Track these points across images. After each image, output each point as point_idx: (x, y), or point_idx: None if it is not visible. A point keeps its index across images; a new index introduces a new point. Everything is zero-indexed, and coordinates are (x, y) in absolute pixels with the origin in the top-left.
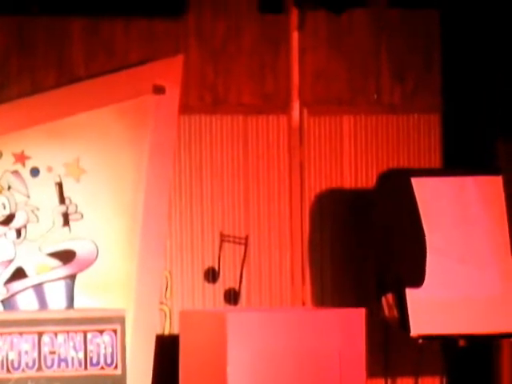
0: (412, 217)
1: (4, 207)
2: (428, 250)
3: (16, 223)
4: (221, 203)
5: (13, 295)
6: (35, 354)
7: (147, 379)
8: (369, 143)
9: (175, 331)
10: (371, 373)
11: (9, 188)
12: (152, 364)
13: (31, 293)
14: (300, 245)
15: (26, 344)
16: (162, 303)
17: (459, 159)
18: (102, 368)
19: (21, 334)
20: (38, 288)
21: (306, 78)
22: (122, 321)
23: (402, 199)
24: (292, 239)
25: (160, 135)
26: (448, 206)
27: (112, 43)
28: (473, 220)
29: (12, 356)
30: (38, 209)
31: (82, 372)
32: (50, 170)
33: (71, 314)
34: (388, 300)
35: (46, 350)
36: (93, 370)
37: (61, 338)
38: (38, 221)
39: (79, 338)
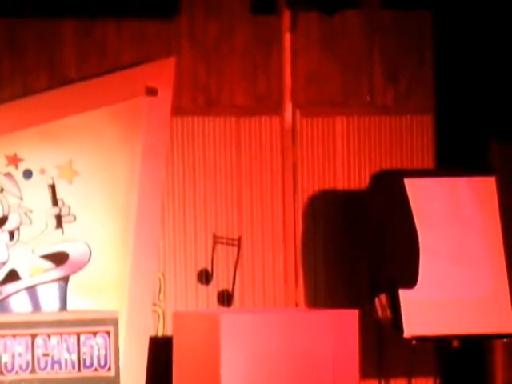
0: (405, 217)
1: None
2: (421, 251)
3: (9, 225)
4: (214, 205)
5: (6, 297)
6: (29, 357)
7: (141, 381)
8: (362, 144)
9: (168, 333)
10: (364, 374)
11: (1, 190)
12: (145, 366)
13: (24, 295)
14: (293, 246)
15: (19, 346)
16: (155, 305)
17: (452, 160)
18: (96, 370)
19: (14, 336)
20: (31, 290)
21: (298, 79)
22: (115, 323)
23: (395, 200)
24: (285, 240)
25: (153, 137)
26: (441, 207)
27: (104, 45)
28: (466, 221)
29: (5, 358)
30: (31, 211)
31: (75, 374)
32: (42, 172)
33: (64, 316)
34: (381, 301)
35: (39, 352)
36: (86, 372)
37: (54, 340)
38: (31, 223)
39: (72, 340)
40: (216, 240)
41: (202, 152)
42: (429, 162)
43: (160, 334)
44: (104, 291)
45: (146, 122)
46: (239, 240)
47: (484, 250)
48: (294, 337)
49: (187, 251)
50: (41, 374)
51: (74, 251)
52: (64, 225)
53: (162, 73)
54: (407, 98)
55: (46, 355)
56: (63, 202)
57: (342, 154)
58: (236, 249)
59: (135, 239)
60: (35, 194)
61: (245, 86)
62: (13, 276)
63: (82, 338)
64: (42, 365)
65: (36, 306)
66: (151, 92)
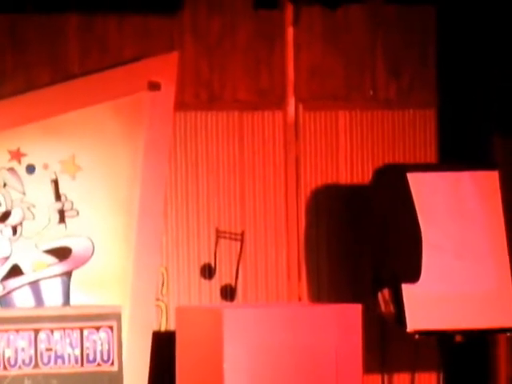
0: (408, 212)
1: (0, 204)
2: (424, 246)
3: (12, 220)
4: (217, 199)
5: (9, 292)
6: (32, 351)
7: (144, 376)
8: (364, 139)
9: (171, 327)
10: (367, 368)
11: (4, 185)
12: (148, 360)
13: (27, 290)
14: (296, 240)
15: (22, 341)
16: (158, 299)
17: (455, 154)
18: (99, 365)
19: (17, 331)
20: (34, 285)
21: (301, 73)
22: (118, 317)
23: (398, 194)
24: (288, 235)
25: (155, 132)
26: (444, 201)
27: (106, 40)
28: (469, 215)
29: (8, 353)
30: (33, 206)
31: (78, 369)
32: (45, 167)
33: (67, 310)
34: (384, 295)
35: (42, 347)
36: (89, 367)
37: (57, 334)
38: (33, 218)
39: (75, 334)
40: (219, 234)
41: (204, 147)
42: (432, 157)
43: (163, 328)
44: (107, 286)
45: (148, 117)
46: (242, 234)
47: (487, 244)
48: (296, 331)
49: (190, 246)
50: (44, 369)
51: (77, 246)
52: (67, 220)
53: (165, 67)
54: (410, 93)
55: (49, 350)
56: (66, 197)
57: (344, 149)
58: (239, 243)
59: (138, 234)
60: (38, 189)
61: (248, 80)
62: (16, 271)
63: (85, 332)
64: (45, 360)
65: (39, 300)
66: (154, 87)
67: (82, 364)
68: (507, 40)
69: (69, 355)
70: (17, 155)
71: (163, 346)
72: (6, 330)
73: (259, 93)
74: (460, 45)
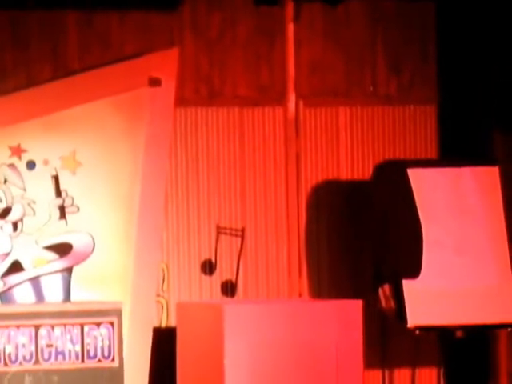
0: (408, 208)
1: (0, 200)
2: (424, 241)
3: (12, 216)
4: (217, 195)
5: (9, 288)
6: (32, 347)
7: (144, 372)
8: (365, 134)
9: (172, 323)
10: (368, 364)
11: (5, 181)
12: (149, 356)
13: (28, 286)
14: (297, 236)
15: (23, 337)
16: (158, 295)
17: (455, 150)
18: (99, 361)
19: (18, 327)
20: (35, 281)
21: (301, 69)
22: (118, 313)
23: (399, 190)
24: (288, 231)
25: (156, 128)
26: (444, 197)
27: (107, 36)
28: (469, 211)
29: (9, 349)
30: (34, 202)
31: (79, 365)
32: (46, 163)
33: (68, 306)
34: (385, 291)
35: (43, 343)
36: (90, 363)
37: (58, 330)
38: (34, 214)
39: (76, 330)
40: (219, 231)
41: (205, 143)
42: (432, 153)
43: (164, 324)
44: (107, 282)
45: (149, 113)
46: (243, 230)
47: (487, 239)
48: (297, 327)
49: (191, 242)
50: (44, 365)
51: (78, 242)
52: (67, 216)
53: (166, 63)
54: (410, 89)
55: (49, 346)
56: (66, 193)
57: (345, 145)
58: (239, 239)
59: (138, 230)
60: (39, 185)
61: (248, 76)
62: (16, 267)
63: (86, 328)
64: (46, 356)
65: (39, 296)
66: (154, 82)
67: (83, 360)
68: (507, 36)
69: (69, 351)
70: (17, 151)
71: (164, 342)
72: (7, 326)
73: (259, 89)
74: (460, 41)
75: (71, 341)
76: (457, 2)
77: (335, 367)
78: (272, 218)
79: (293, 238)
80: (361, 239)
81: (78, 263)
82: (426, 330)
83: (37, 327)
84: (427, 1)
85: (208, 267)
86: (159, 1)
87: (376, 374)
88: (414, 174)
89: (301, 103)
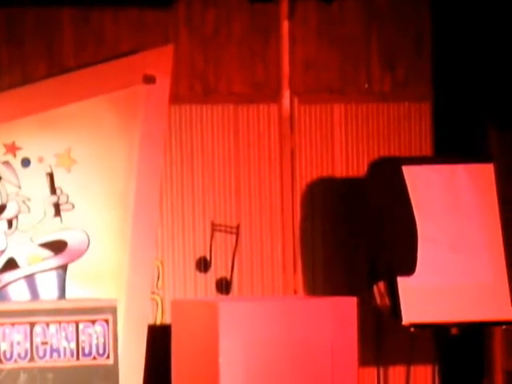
0: (403, 205)
1: None
2: (419, 238)
3: (7, 214)
4: (212, 192)
5: (4, 286)
6: (27, 345)
7: (139, 369)
8: (360, 132)
9: (167, 321)
10: (363, 361)
11: (0, 179)
12: (144, 354)
13: (23, 283)
14: (291, 233)
15: (17, 335)
16: (153, 293)
17: (450, 147)
18: (94, 358)
19: (13, 324)
20: (30, 278)
21: (296, 66)
22: (113, 311)
23: (393, 187)
24: (283, 228)
25: (151, 125)
26: (439, 194)
27: (102, 33)
28: (464, 208)
29: (4, 347)
30: (29, 199)
31: (74, 362)
32: (41, 160)
33: (63, 304)
34: (380, 288)
35: (38, 340)
36: (85, 361)
37: (53, 328)
38: (29, 211)
39: (71, 328)
40: (214, 228)
41: (200, 140)
42: (427, 150)
43: (158, 322)
44: (102, 279)
45: (143, 110)
46: (237, 228)
47: (482, 236)
48: (292, 324)
49: (185, 239)
50: (39, 363)
51: (73, 239)
52: (62, 213)
53: (160, 60)
54: (405, 86)
55: (44, 343)
56: (61, 191)
57: (340, 142)
58: (234, 236)
59: (133, 227)
60: (33, 183)
61: (243, 73)
62: (11, 264)
63: (81, 326)
64: (41, 353)
65: (34, 294)
66: (149, 80)
67: (78, 357)
68: (502, 33)
69: (64, 349)
70: (12, 149)
71: (159, 340)
72: (2, 324)
73: (254, 86)
74: (455, 38)
75: (66, 338)
76: None
77: (330, 364)
78: (267, 215)
79: (288, 235)
80: (356, 236)
81: (72, 260)
82: (421, 327)
83: (32, 325)
84: None
85: (203, 264)
86: None
87: (371, 372)
88: (408, 171)
89: (295, 100)
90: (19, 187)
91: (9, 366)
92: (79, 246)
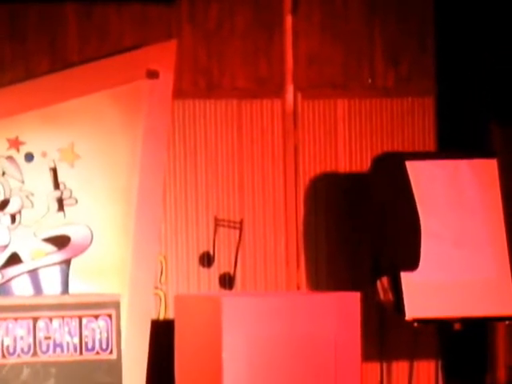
0: (406, 200)
1: None
2: (423, 234)
3: (11, 209)
4: (215, 187)
5: (8, 281)
6: (30, 340)
7: (142, 364)
8: (363, 127)
9: (170, 316)
10: (366, 356)
11: (3, 174)
12: (147, 349)
13: (26, 278)
14: (295, 229)
15: (21, 329)
16: (156, 288)
17: (453, 142)
18: (98, 353)
19: (16, 319)
20: (33, 273)
21: (299, 61)
22: (117, 306)
23: (397, 182)
24: (287, 223)
25: (154, 120)
26: (442, 189)
27: (105, 28)
28: (467, 203)
29: (7, 341)
30: (32, 194)
31: (77, 357)
32: (44, 155)
33: (66, 299)
34: (383, 284)
35: (41, 335)
36: (88, 355)
37: (56, 323)
38: (32, 206)
39: (74, 323)
40: (218, 223)
41: (203, 135)
42: (430, 145)
43: (162, 317)
44: (106, 274)
45: (147, 105)
46: (241, 223)
47: (485, 232)
48: (295, 319)
49: (189, 234)
50: (42, 357)
51: (76, 234)
52: (65, 208)
53: (164, 55)
54: (408, 81)
55: (47, 338)
56: (65, 186)
57: (343, 137)
58: (238, 231)
59: (137, 222)
60: (37, 178)
61: (246, 68)
62: (14, 259)
63: (84, 321)
64: (44, 348)
65: (38, 289)
66: (152, 75)
67: (81, 352)
68: (506, 28)
69: (67, 343)
70: (15, 143)
71: (162, 335)
72: (5, 319)
73: (258, 81)
74: (458, 33)
75: (69, 333)
76: None
77: (333, 359)
78: (270, 211)
79: (291, 230)
80: (359, 231)
81: (76, 255)
82: (424, 322)
83: (35, 319)
84: None
85: (206, 259)
86: None
87: (374, 367)
88: (412, 166)
89: (299, 95)
90: (22, 182)
91: (12, 360)
92: (82, 241)
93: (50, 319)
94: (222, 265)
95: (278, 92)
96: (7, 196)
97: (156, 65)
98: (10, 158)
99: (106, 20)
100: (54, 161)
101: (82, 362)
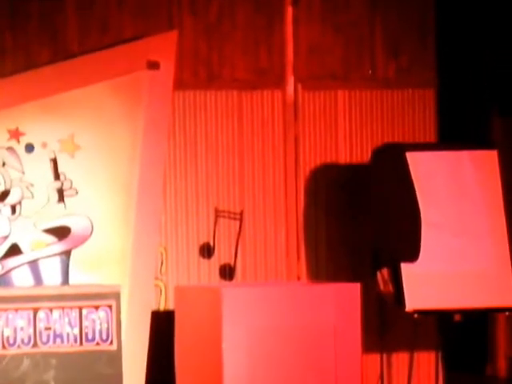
0: (407, 191)
1: None
2: (423, 225)
3: (11, 199)
4: (216, 178)
5: (8, 271)
6: (31, 330)
7: (142, 355)
8: (363, 118)
9: (170, 307)
10: (366, 347)
11: (3, 164)
12: (147, 340)
13: (26, 269)
14: (295, 219)
15: (21, 320)
16: (157, 279)
17: (454, 133)
18: (98, 344)
19: (16, 310)
20: (33, 264)
21: (300, 53)
22: (117, 296)
23: (397, 174)
24: (287, 214)
25: (154, 111)
26: (443, 181)
27: (106, 19)
28: (468, 194)
29: (7, 332)
30: (32, 185)
31: (77, 348)
32: (44, 146)
33: (66, 290)
34: (383, 275)
35: (41, 326)
36: (88, 346)
37: (56, 314)
38: (32, 197)
39: (74, 313)
40: (218, 214)
41: (203, 126)
42: (431, 136)
43: (162, 308)
44: (106, 265)
45: (147, 96)
46: (241, 214)
47: (486, 223)
48: (295, 310)
49: (189, 225)
50: (43, 348)
51: (76, 225)
52: (66, 199)
53: (164, 46)
54: (409, 72)
55: (47, 329)
56: (65, 176)
57: (343, 128)
58: (238, 223)
59: (137, 213)
60: (37, 168)
61: (246, 59)
62: (15, 250)
63: (84, 311)
64: (44, 339)
65: (38, 280)
66: (153, 66)
67: (81, 343)
68: (506, 20)
69: (68, 334)
70: (16, 134)
71: (162, 326)
72: (5, 309)
73: (258, 72)
74: (459, 24)
75: (69, 324)
76: None
77: (333, 350)
78: (270, 202)
79: (291, 221)
80: (359, 223)
81: (76, 246)
82: (425, 313)
83: (35, 310)
84: None
85: (206, 250)
86: None
87: (374, 358)
88: (412, 157)
89: (299, 87)
90: (23, 173)
91: (12, 351)
92: (83, 232)
93: (51, 310)
94: (222, 256)
95: (279, 83)
96: (7, 187)
97: (156, 55)
98: (10, 148)
99: (106, 11)
100: (54, 151)
101: (82, 352)
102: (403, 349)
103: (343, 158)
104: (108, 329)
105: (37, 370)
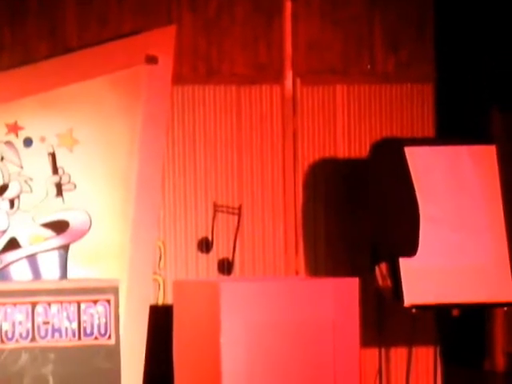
0: (405, 186)
1: None
2: (421, 219)
3: (9, 194)
4: (214, 173)
5: (6, 266)
6: (29, 325)
7: (141, 349)
8: (362, 113)
9: (169, 301)
10: (364, 342)
11: (2, 159)
12: (145, 334)
13: (25, 263)
14: (293, 214)
15: (19, 314)
16: (155, 273)
17: (453, 128)
18: (96, 338)
19: (14, 304)
20: (32, 258)
21: (299, 47)
22: (115, 291)
23: (396, 168)
24: (285, 209)
25: (153, 105)
26: (441, 175)
27: (105, 13)
28: (466, 189)
29: (6, 327)
30: (31, 179)
31: (75, 342)
32: (43, 140)
33: (65, 284)
34: (382, 270)
35: (39, 320)
36: (86, 341)
37: (54, 308)
38: (31, 191)
39: (73, 308)
40: (216, 208)
41: (202, 121)
42: (429, 131)
43: (160, 302)
44: (104, 259)
45: (146, 91)
46: (239, 208)
47: (484, 218)
48: (294, 305)
49: (187, 220)
50: (41, 342)
51: (75, 219)
52: (64, 193)
53: (163, 41)
54: (408, 67)
55: (46, 323)
56: (63, 171)
57: (342, 123)
58: (236, 217)
59: (135, 208)
60: (35, 163)
61: (245, 54)
62: (13, 244)
63: (83, 306)
64: (43, 333)
65: (36, 274)
66: (152, 60)
67: (79, 337)
68: (505, 15)
69: (66, 329)
70: (14, 128)
71: (160, 320)
72: (4, 304)
73: (257, 67)
74: (458, 19)
75: (68, 318)
76: None
77: (332, 345)
78: (269, 196)
79: (289, 215)
80: (358, 217)
81: (74, 241)
82: (423, 308)
83: (33, 304)
84: None
85: (205, 245)
86: None
87: (372, 353)
88: (411, 152)
89: (298, 81)
90: (21, 167)
91: (10, 345)
92: (81, 226)
93: (49, 304)
94: (220, 250)
95: (277, 78)
96: (6, 181)
97: (155, 50)
98: (8, 142)
99: (105, 5)
100: (52, 146)
101: (81, 347)
102: (401, 343)
103: (342, 152)
104: (106, 323)
105: (35, 364)
